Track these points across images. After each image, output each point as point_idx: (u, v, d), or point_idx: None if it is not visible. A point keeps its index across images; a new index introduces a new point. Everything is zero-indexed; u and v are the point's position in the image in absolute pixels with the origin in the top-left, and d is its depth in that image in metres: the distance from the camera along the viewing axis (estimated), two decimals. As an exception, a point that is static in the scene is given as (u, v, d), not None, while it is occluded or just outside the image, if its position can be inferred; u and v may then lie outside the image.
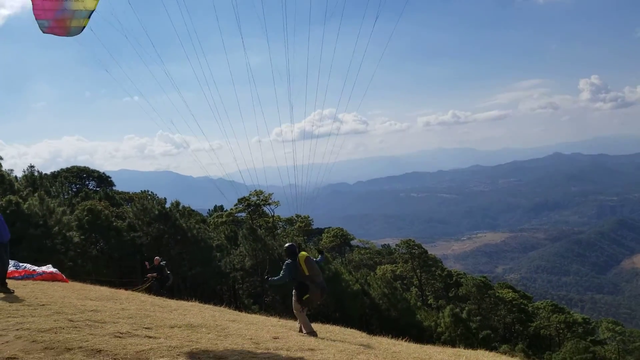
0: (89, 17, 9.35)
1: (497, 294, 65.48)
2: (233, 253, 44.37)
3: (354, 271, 54.19)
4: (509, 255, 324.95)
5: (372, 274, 54.32)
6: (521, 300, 68.85)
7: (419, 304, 54.92)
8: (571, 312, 72.70)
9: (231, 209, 61.55)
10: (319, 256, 12.53)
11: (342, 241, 71.57)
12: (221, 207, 69.34)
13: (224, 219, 58.38)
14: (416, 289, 65.81)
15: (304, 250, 11.84)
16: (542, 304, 70.61)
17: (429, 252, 73.19)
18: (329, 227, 76.90)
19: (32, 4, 8.76)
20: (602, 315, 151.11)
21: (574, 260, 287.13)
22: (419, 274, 66.39)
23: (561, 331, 63.04)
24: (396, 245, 76.10)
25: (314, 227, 73.96)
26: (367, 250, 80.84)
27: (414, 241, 68.39)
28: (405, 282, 67.85)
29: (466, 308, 57.51)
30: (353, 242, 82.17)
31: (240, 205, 59.58)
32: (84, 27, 9.44)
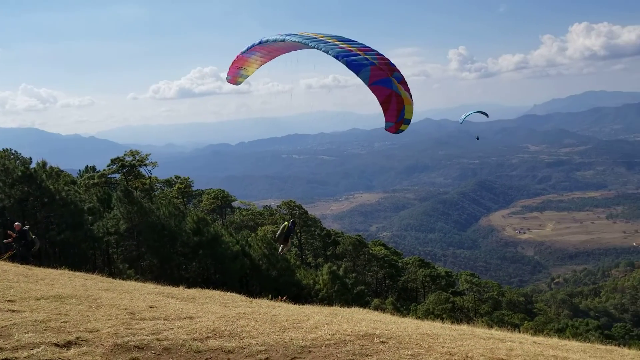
0: (245, 78, 20.44)
1: (370, 251, 69.04)
2: (106, 216, 42.11)
3: (235, 232, 54.01)
4: (382, 214, 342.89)
5: (253, 234, 54.49)
6: (392, 256, 73.33)
7: (298, 262, 56.30)
8: (435, 267, 78.87)
9: (104, 170, 58.11)
10: (289, 224, 23.76)
11: (223, 203, 70.79)
12: (93, 168, 65.23)
13: (96, 181, 54.97)
14: (296, 249, 67.33)
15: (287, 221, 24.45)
16: (410, 259, 75.77)
17: (309, 213, 75.00)
18: (210, 189, 75.57)
19: (230, 68, 19.59)
20: (462, 269, 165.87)
21: (439, 219, 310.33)
22: (298, 234, 67.89)
23: (426, 284, 68.25)
24: (277, 206, 76.94)
25: (194, 188, 72.36)
26: (249, 212, 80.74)
27: (294, 202, 69.55)
28: (285, 242, 69.01)
29: (343, 265, 59.95)
30: (234, 204, 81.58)
31: (114, 166, 56.44)
32: (241, 82, 20.18)
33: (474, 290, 66.73)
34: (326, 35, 18.06)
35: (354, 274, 59.89)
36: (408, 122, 17.57)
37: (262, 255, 44.58)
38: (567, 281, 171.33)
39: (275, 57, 19.72)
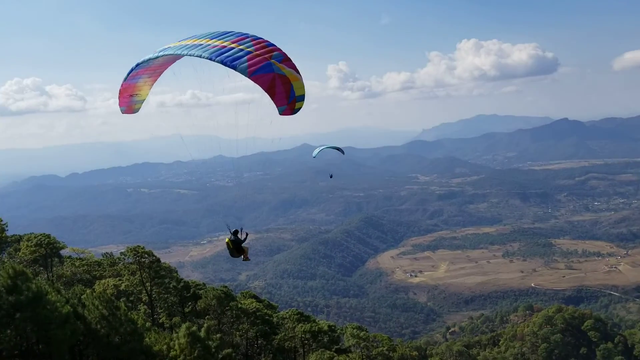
0: (142, 103, 23.76)
1: (240, 306, 68.15)
2: None
3: (65, 289, 50.85)
4: (253, 259, 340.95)
5: (88, 291, 51.63)
6: (266, 310, 72.91)
7: (148, 324, 53.98)
8: (317, 320, 79.63)
9: None
10: (233, 237, 28.99)
11: (49, 251, 66.33)
12: None
13: None
14: (145, 307, 64.68)
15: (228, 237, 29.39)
16: (287, 313, 75.80)
17: (163, 260, 72.58)
18: (31, 234, 70.61)
19: (120, 99, 23.03)
20: (348, 320, 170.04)
21: (320, 262, 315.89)
22: (149, 288, 65.26)
23: (306, 342, 68.57)
24: (121, 253, 73.75)
25: (9, 233, 67.54)
26: (83, 261, 76.46)
27: (143, 248, 66.90)
28: (132, 298, 66.05)
29: (205, 325, 58.46)
30: (64, 252, 76.94)
31: None
32: (139, 108, 24.03)
33: (361, 346, 68.18)
34: (199, 37, 20.29)
35: (219, 335, 58.69)
36: (302, 98, 19.98)
37: (101, 317, 42.20)
38: (464, 330, 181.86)
39: (162, 72, 22.46)
